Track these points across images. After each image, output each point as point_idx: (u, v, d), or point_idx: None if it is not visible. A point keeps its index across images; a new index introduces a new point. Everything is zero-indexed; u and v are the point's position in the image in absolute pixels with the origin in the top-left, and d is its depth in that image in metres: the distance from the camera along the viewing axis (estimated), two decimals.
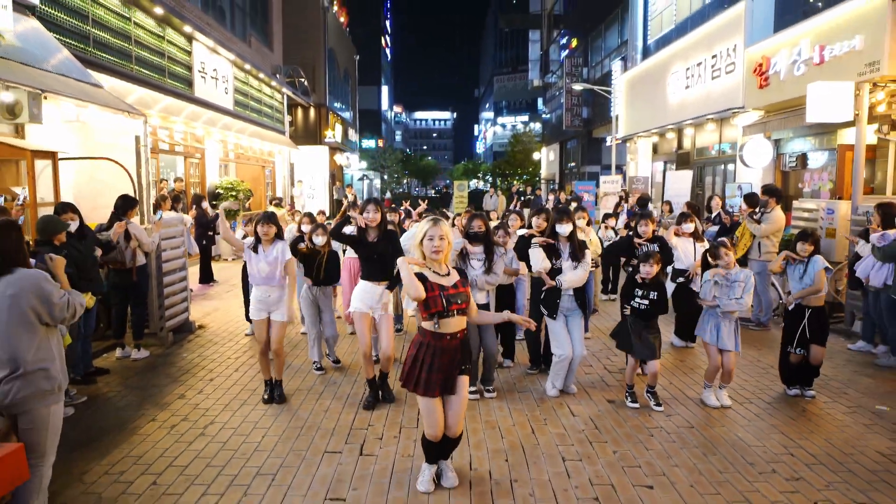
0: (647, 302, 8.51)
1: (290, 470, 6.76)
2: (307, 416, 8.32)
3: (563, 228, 8.82)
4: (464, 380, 6.20)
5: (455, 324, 6.00)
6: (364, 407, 8.58)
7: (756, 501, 6.03)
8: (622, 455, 7.10)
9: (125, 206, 10.73)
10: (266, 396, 8.83)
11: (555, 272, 8.83)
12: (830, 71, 14.84)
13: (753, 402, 8.74)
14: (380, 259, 8.63)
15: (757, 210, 13.02)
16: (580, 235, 9.36)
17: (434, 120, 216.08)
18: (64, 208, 9.36)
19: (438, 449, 6.36)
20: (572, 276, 8.75)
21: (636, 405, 8.50)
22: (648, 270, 8.53)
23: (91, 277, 9.27)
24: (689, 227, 11.16)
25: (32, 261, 5.69)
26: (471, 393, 8.80)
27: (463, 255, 8.82)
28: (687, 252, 11.03)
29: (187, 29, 21.01)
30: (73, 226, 9.33)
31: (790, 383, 9.13)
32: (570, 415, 8.31)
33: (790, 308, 9.03)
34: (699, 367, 10.30)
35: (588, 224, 12.39)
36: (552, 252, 8.87)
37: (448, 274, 6.13)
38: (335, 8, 49.54)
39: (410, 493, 6.27)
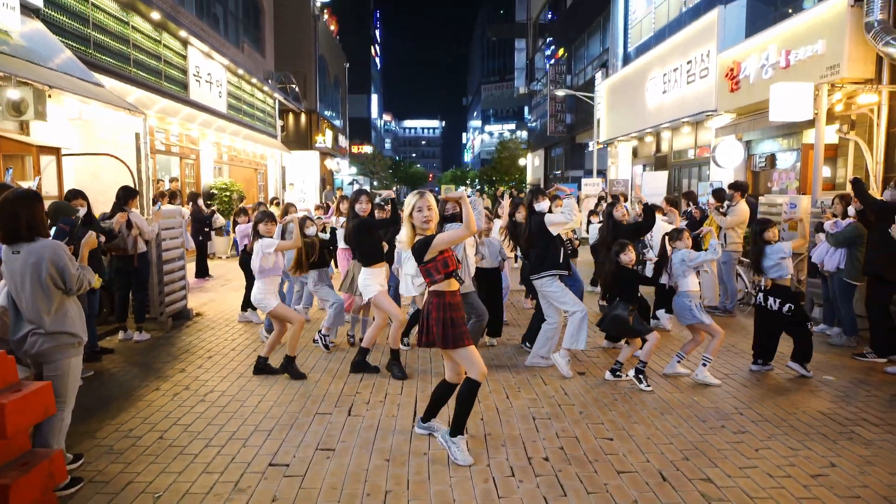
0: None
1: (284, 427, 7.31)
2: (299, 385, 8.86)
3: (541, 206, 9.42)
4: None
5: (456, 283, 6.48)
6: (395, 376, 9.16)
7: (704, 450, 6.63)
8: (587, 415, 7.68)
9: (126, 196, 11.14)
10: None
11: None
12: (796, 74, 15.49)
13: (725, 382, 9.17)
14: (377, 245, 9.29)
15: (723, 204, 13.62)
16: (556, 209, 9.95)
17: (423, 128, 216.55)
18: (75, 194, 9.80)
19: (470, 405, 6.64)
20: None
21: (649, 388, 8.69)
22: (629, 259, 9.02)
23: (96, 261, 9.75)
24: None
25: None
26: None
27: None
28: (659, 230, 11.51)
29: (182, 34, 21.51)
30: (82, 212, 9.78)
31: (760, 357, 9.63)
32: (543, 384, 8.89)
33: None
34: (670, 343, 10.92)
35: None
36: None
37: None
38: (326, 16, 49.89)
39: (394, 445, 6.83)
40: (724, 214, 13.38)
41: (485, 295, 10.43)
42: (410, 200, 6.44)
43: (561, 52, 49.11)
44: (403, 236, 6.49)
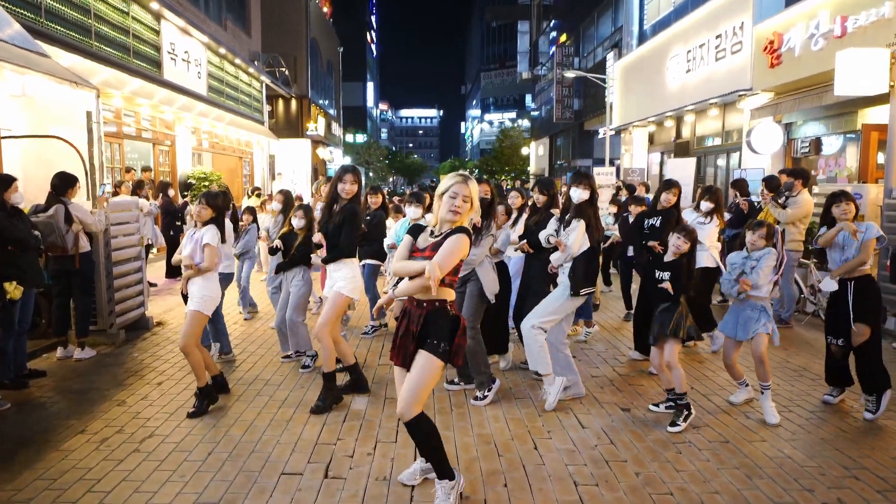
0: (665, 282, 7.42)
1: (237, 495, 5.47)
2: (265, 426, 7.04)
3: (578, 193, 7.70)
4: (420, 354, 5.16)
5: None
6: (312, 410, 7.55)
7: None
8: (647, 478, 5.79)
9: (64, 184, 9.48)
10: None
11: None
12: (854, 43, 13.69)
13: (794, 411, 7.47)
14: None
15: (781, 193, 11.83)
16: None
17: (420, 117, 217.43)
18: (6, 183, 8.23)
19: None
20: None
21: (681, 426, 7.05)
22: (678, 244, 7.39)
23: (23, 264, 8.08)
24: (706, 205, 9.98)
25: None
26: (451, 383, 8.35)
27: None
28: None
29: (154, 6, 19.94)
30: (18, 198, 8.37)
31: (832, 383, 7.89)
32: (579, 426, 7.03)
33: (833, 288, 7.70)
34: (721, 369, 8.98)
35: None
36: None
37: (440, 236, 5.15)
38: None
39: None
40: (784, 206, 11.50)
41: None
42: (449, 180, 5.29)
43: (564, 37, 47.93)
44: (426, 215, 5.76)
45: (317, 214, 9.10)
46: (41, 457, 6.25)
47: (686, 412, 7.02)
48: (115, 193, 13.82)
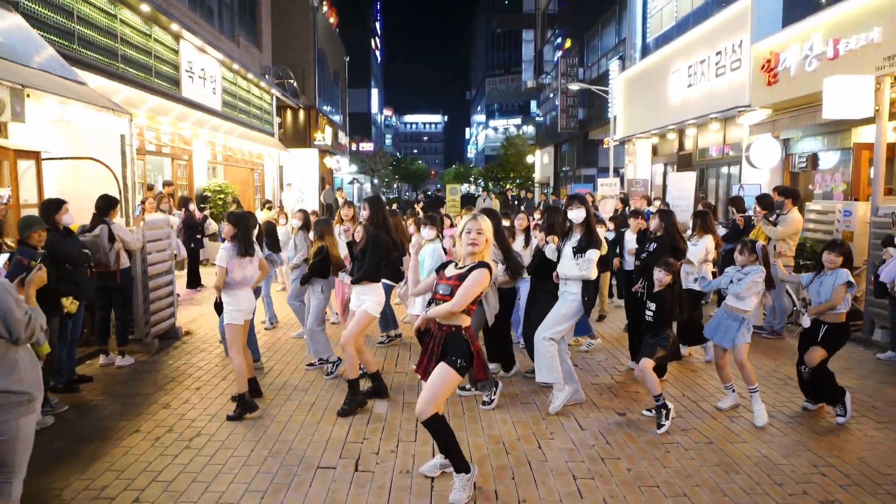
0: (650, 313, 8.34)
1: (281, 487, 6.40)
2: (298, 428, 7.96)
3: (576, 214, 8.53)
4: (441, 365, 6.10)
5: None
6: (338, 413, 8.42)
7: None
8: (637, 473, 6.71)
9: (107, 206, 10.42)
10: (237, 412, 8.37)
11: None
12: (845, 65, 14.47)
13: (775, 416, 8.35)
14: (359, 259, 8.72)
15: (772, 212, 12.67)
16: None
17: (425, 123, 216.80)
18: (56, 206, 9.15)
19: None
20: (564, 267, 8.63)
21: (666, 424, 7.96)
22: (660, 279, 8.25)
23: (77, 279, 8.98)
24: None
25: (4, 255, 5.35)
26: (462, 389, 9.11)
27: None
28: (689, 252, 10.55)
29: (174, 27, 20.63)
30: (69, 219, 9.26)
31: (810, 397, 8.73)
32: (579, 428, 7.94)
33: (806, 325, 8.59)
34: (712, 377, 9.89)
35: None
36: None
37: (464, 267, 6.08)
38: (325, 8, 49.32)
39: None
40: (774, 224, 12.37)
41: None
42: (463, 221, 6.28)
43: (570, 42, 48.38)
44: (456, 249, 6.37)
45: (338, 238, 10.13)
46: (105, 452, 7.17)
47: (665, 411, 7.93)
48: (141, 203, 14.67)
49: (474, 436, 7.65)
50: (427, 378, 6.11)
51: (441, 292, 6.04)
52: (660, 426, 7.85)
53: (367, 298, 8.63)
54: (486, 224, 6.06)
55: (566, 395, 8.52)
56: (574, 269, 8.39)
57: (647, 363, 7.96)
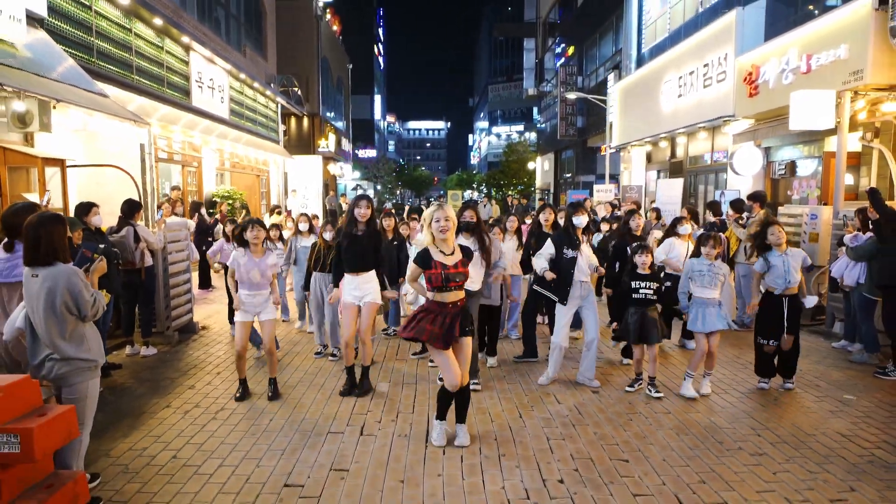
0: (650, 290, 9.46)
1: (297, 447, 7.56)
2: (310, 403, 9.12)
3: (580, 220, 9.76)
4: (468, 340, 7.53)
5: (452, 296, 7.29)
6: (340, 393, 9.49)
7: (721, 472, 6.86)
8: (602, 435, 7.93)
9: (131, 209, 11.51)
10: (238, 394, 9.37)
11: (568, 262, 9.68)
12: (817, 79, 15.57)
13: (729, 393, 9.58)
14: (363, 252, 9.42)
15: (742, 215, 13.80)
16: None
17: (427, 130, 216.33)
18: (88, 207, 10.32)
19: (450, 403, 7.67)
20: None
21: (660, 395, 9.36)
22: (643, 260, 9.49)
23: (109, 275, 10.03)
24: (685, 228, 11.76)
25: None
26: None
27: None
28: (679, 254, 11.55)
29: (185, 39, 21.66)
30: (98, 220, 10.41)
31: (764, 374, 9.88)
32: (556, 402, 9.16)
33: (812, 304, 9.89)
34: (685, 361, 11.18)
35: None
36: (569, 242, 9.75)
37: (452, 253, 7.34)
38: (328, 16, 50.17)
39: (408, 465, 7.08)
40: (744, 226, 13.53)
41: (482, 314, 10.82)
42: (430, 211, 7.48)
43: (570, 51, 49.20)
44: (423, 241, 7.58)
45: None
46: (143, 423, 8.34)
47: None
48: (158, 207, 15.62)
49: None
50: (446, 348, 7.26)
51: (458, 280, 7.27)
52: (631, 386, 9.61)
53: (370, 288, 9.56)
54: (450, 211, 7.35)
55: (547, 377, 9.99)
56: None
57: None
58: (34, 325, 5.79)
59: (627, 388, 9.56)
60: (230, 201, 24.17)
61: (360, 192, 71.47)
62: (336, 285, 9.73)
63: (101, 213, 10.69)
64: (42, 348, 5.79)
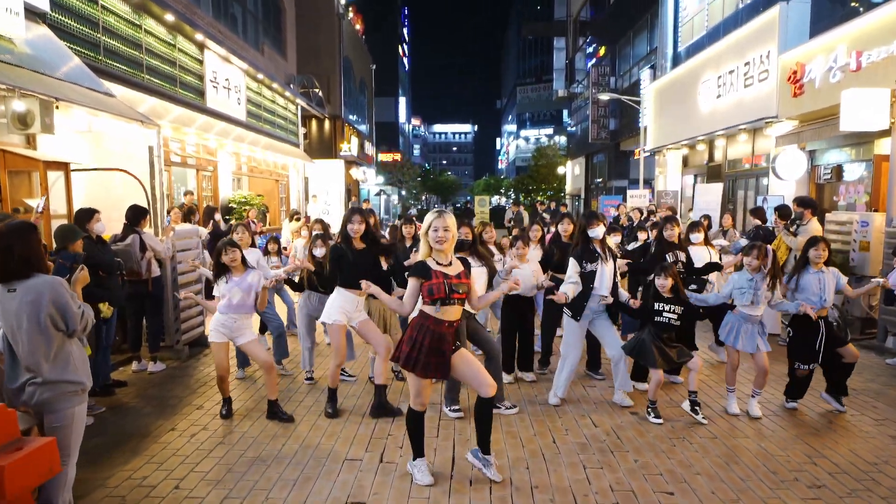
0: (674, 315, 8.93)
1: (310, 476, 7.17)
2: (326, 426, 8.73)
3: (595, 232, 9.25)
4: (462, 352, 6.98)
5: (454, 312, 6.76)
6: (326, 415, 9.12)
7: None
8: (643, 464, 7.48)
9: (136, 216, 11.21)
10: (224, 412, 9.11)
11: (587, 276, 9.19)
12: (868, 77, 15.15)
13: (778, 415, 9.12)
14: (362, 271, 8.67)
15: (792, 223, 13.32)
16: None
17: (454, 133, 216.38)
18: (89, 215, 9.95)
19: (421, 432, 7.14)
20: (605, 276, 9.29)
21: (659, 421, 8.79)
22: (662, 283, 8.98)
23: (111, 286, 9.73)
24: (697, 236, 11.46)
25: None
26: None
27: None
28: (701, 259, 11.11)
29: (199, 37, 21.32)
30: (100, 227, 10.02)
31: (793, 396, 9.45)
32: (592, 425, 8.71)
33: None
34: (721, 381, 10.63)
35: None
36: (588, 256, 9.26)
37: (450, 264, 6.81)
38: (350, 15, 49.95)
39: (431, 499, 6.66)
40: (795, 234, 13.06)
41: (513, 325, 10.55)
42: (429, 218, 6.81)
43: (602, 50, 48.84)
44: (420, 252, 7.01)
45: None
46: (145, 447, 7.98)
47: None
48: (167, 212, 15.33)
49: (493, 432, 8.24)
50: (442, 378, 6.93)
51: (461, 291, 6.68)
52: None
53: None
54: (451, 221, 6.75)
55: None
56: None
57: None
58: (14, 345, 5.40)
59: (653, 420, 8.89)
60: (245, 207, 23.79)
61: (383, 197, 71.44)
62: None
63: (110, 220, 10.43)
64: (22, 372, 5.40)
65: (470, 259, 8.35)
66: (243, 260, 9.09)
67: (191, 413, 9.24)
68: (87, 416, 8.64)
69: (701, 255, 11.21)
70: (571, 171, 62.72)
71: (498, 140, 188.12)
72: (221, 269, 8.91)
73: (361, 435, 8.38)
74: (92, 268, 9.15)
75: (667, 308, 8.94)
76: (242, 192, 25.62)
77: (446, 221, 6.69)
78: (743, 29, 22.67)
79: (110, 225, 11.20)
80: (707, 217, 16.86)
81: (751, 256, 8.99)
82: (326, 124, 43.05)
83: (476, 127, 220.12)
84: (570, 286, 9.16)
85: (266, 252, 13.21)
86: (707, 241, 11.65)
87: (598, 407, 9.46)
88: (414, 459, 7.14)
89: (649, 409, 8.98)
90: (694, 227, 11.66)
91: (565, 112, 77.91)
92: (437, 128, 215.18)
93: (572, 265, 9.31)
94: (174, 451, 7.88)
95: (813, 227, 12.98)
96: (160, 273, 11.66)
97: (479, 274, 8.81)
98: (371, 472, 7.25)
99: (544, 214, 29.84)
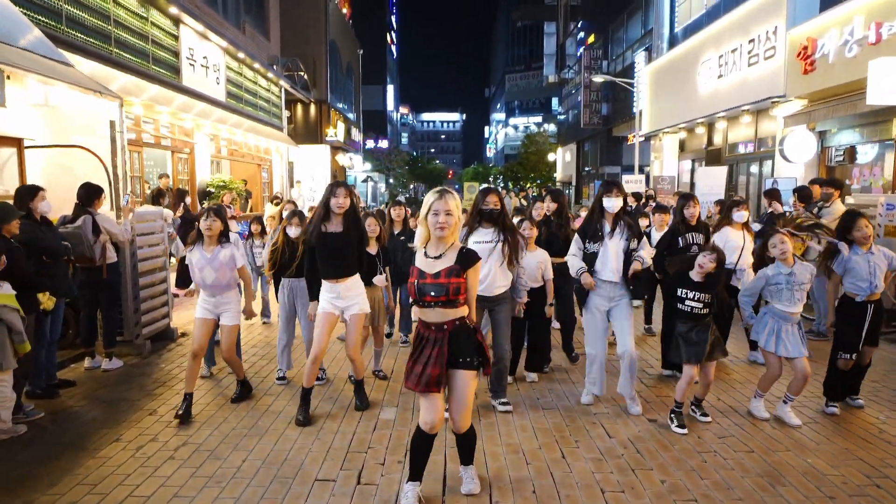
0: (700, 304, 7.67)
1: (274, 500, 5.93)
2: (295, 437, 7.48)
3: (611, 203, 8.04)
4: (463, 374, 5.59)
5: (435, 315, 5.56)
6: (297, 423, 7.87)
7: None
8: (672, 486, 6.21)
9: (89, 195, 9.97)
10: (181, 411, 8.00)
11: (588, 258, 8.13)
12: (889, 50, 14.09)
13: (819, 422, 7.86)
14: (341, 253, 7.98)
15: (813, 205, 12.18)
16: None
17: (442, 121, 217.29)
18: (32, 192, 8.78)
19: (426, 455, 5.88)
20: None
21: (684, 431, 7.52)
22: (706, 263, 7.66)
23: (56, 273, 8.55)
24: (741, 215, 10.14)
25: None
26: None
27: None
28: (735, 245, 9.97)
29: (173, 10, 20.26)
30: (45, 207, 8.84)
31: (834, 398, 8.32)
32: (606, 436, 7.44)
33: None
34: (754, 378, 9.42)
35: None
36: (591, 233, 8.11)
37: (440, 257, 5.55)
38: None
39: None
40: (818, 217, 11.84)
41: (527, 320, 9.31)
42: (428, 199, 5.64)
43: (594, 35, 48.11)
44: (417, 238, 5.93)
45: None
46: (80, 463, 6.71)
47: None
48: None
49: (491, 444, 7.16)
50: (434, 391, 5.54)
51: (433, 294, 5.46)
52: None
53: (356, 294, 8.20)
54: (452, 201, 5.50)
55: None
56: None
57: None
58: None
59: (675, 429, 7.61)
60: (226, 191, 22.65)
61: (370, 184, 70.91)
62: (313, 298, 8.30)
63: (70, 203, 9.49)
64: None
65: (492, 232, 7.72)
66: (222, 235, 8.32)
67: (141, 419, 7.98)
68: (20, 423, 7.57)
69: (734, 240, 10.03)
70: (562, 158, 62.37)
71: (486, 128, 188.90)
72: (197, 236, 8.26)
73: (336, 448, 7.11)
74: (34, 252, 8.09)
75: (691, 295, 7.70)
76: (222, 176, 24.50)
77: (448, 204, 5.48)
78: (747, 4, 21.76)
79: (69, 206, 9.96)
80: (721, 203, 15.78)
81: (777, 248, 7.80)
82: (312, 109, 42.26)
83: (464, 115, 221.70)
84: (573, 259, 8.34)
85: (250, 235, 12.68)
86: (746, 226, 10.36)
87: (610, 410, 8.22)
88: (407, 481, 5.87)
89: (672, 416, 7.72)
90: (737, 204, 10.31)
91: (555, 100, 77.87)
92: (426, 116, 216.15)
93: (575, 242, 8.30)
94: (113, 468, 6.60)
95: (837, 208, 11.89)
96: (117, 259, 10.37)
97: (485, 252, 7.63)
98: (346, 497, 5.99)
99: (523, 201, 29.13)
